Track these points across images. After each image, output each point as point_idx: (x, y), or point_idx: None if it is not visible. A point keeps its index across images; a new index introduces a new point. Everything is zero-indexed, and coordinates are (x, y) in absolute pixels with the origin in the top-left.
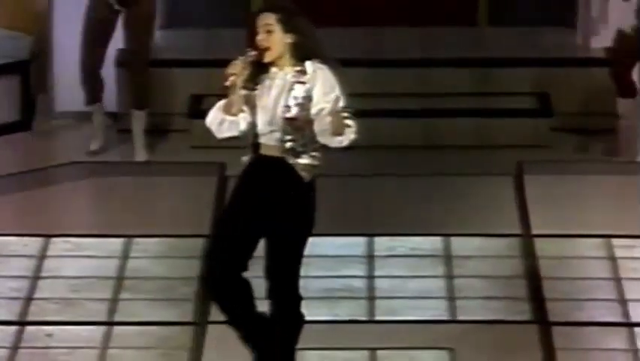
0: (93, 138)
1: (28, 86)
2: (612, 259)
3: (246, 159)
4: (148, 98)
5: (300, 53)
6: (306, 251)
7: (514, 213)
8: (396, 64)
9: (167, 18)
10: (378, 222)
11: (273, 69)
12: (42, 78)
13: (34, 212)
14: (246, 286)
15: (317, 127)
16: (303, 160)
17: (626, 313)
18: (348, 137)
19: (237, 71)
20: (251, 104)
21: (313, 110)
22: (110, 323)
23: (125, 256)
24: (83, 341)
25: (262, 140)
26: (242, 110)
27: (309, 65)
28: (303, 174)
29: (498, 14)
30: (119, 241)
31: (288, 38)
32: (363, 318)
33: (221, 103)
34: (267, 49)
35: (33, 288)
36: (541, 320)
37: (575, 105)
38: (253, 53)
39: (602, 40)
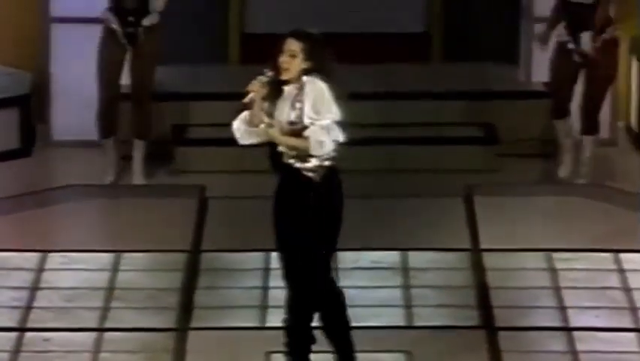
0: (107, 170)
1: (29, 117)
2: (552, 270)
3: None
4: (150, 129)
5: (308, 72)
6: (275, 264)
7: (464, 230)
8: (360, 97)
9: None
10: (344, 238)
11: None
12: (41, 110)
13: (33, 230)
14: None
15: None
16: (310, 163)
17: (565, 319)
18: (313, 153)
19: (255, 88)
20: (271, 116)
21: (305, 122)
22: (101, 330)
23: (114, 269)
24: (76, 346)
25: (280, 148)
26: (262, 122)
27: (305, 80)
28: (311, 174)
29: (450, 51)
30: (109, 255)
31: (306, 65)
32: None
33: (245, 114)
34: (286, 70)
35: (32, 298)
36: (489, 325)
37: (517, 133)
38: (270, 72)
39: (541, 75)
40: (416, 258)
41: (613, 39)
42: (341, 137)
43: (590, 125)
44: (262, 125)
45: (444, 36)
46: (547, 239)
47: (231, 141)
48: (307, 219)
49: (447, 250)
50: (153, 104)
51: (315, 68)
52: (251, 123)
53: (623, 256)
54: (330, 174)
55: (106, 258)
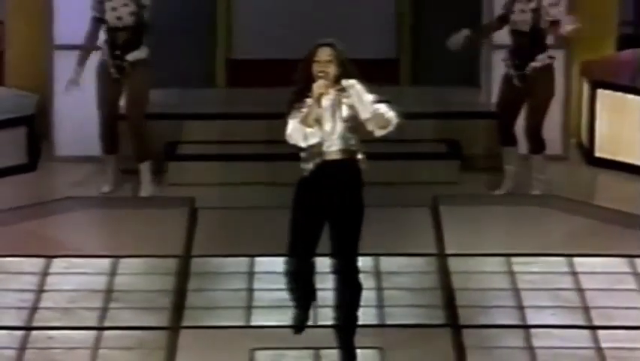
0: (105, 182)
1: (35, 135)
2: (511, 273)
3: (310, 166)
4: (147, 152)
5: (339, 78)
6: (259, 268)
7: (431, 237)
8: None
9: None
10: (321, 244)
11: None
12: (45, 128)
13: (38, 237)
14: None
15: (370, 127)
16: (361, 156)
17: (523, 318)
18: (393, 124)
19: (323, 89)
20: (317, 119)
21: (363, 116)
22: (100, 328)
23: (112, 273)
24: (78, 343)
25: (325, 148)
26: (317, 122)
27: (344, 83)
28: (363, 166)
29: (416, 76)
30: (108, 260)
31: (338, 71)
32: (309, 323)
33: (299, 119)
34: (325, 75)
35: (37, 299)
36: (454, 323)
37: (479, 150)
38: (323, 81)
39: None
40: (387, 262)
41: (547, 65)
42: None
43: (536, 145)
44: (317, 127)
45: (412, 62)
46: (507, 245)
47: (219, 157)
48: (357, 202)
49: (415, 255)
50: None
51: (346, 73)
52: (306, 123)
53: (575, 259)
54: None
55: (105, 263)
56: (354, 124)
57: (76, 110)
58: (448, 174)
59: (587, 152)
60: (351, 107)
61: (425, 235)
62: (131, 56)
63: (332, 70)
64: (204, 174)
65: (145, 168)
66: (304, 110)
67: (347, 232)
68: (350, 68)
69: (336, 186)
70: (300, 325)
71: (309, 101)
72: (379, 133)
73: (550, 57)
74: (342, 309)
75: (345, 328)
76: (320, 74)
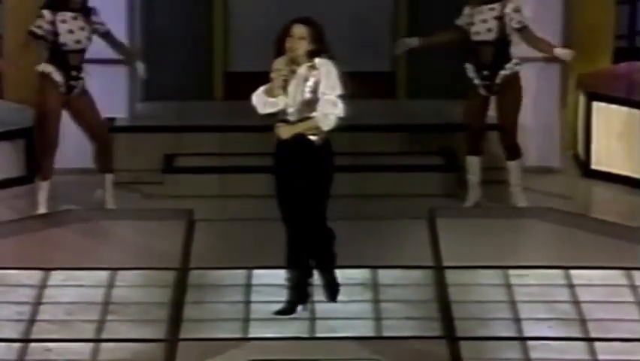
0: (39, 205)
1: (32, 148)
2: (508, 285)
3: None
4: (111, 162)
5: (314, 56)
6: (256, 281)
7: (428, 249)
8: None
9: (145, 92)
10: None
11: (293, 65)
12: None
13: (36, 250)
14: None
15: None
16: (314, 136)
17: (520, 330)
18: (323, 129)
19: (282, 66)
20: (284, 88)
21: (319, 95)
22: (98, 340)
23: (110, 285)
24: (75, 355)
25: (288, 117)
26: (280, 94)
27: (318, 62)
28: (314, 138)
29: (412, 89)
30: (105, 273)
31: (312, 47)
32: (306, 335)
33: (264, 88)
34: (295, 50)
35: (35, 312)
36: (450, 335)
37: None
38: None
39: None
40: (385, 275)
41: (514, 73)
42: (343, 110)
43: (511, 152)
44: (279, 97)
45: (408, 75)
46: (503, 257)
47: (217, 169)
48: (314, 173)
49: (412, 268)
50: (145, 136)
51: (320, 50)
52: (270, 94)
53: (572, 272)
54: (327, 139)
55: (102, 275)
56: (316, 99)
57: (72, 123)
58: (445, 186)
59: (583, 164)
60: (315, 85)
61: (422, 248)
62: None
63: (303, 46)
64: (202, 187)
65: (110, 180)
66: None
67: (310, 194)
68: (326, 46)
69: (293, 152)
70: (291, 305)
71: (274, 73)
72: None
73: (517, 64)
74: (319, 254)
75: (325, 267)
76: (290, 50)
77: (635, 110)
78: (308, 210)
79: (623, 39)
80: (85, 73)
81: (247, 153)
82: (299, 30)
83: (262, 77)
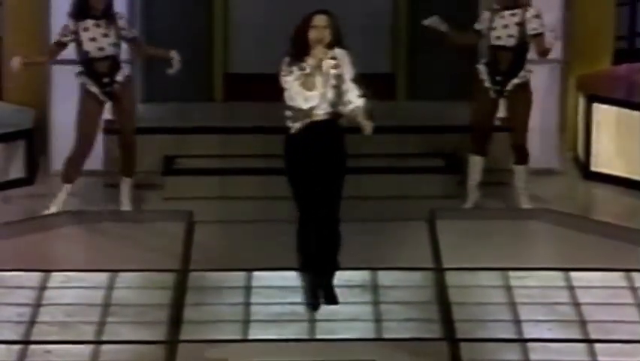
0: (54, 205)
1: (32, 150)
2: (508, 287)
3: (297, 125)
4: (135, 168)
5: (331, 46)
6: (256, 283)
7: (428, 251)
8: None
9: (146, 93)
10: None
11: (311, 58)
12: (43, 143)
13: (36, 252)
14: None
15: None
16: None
17: (520, 332)
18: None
19: (322, 55)
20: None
21: (344, 88)
22: (98, 342)
23: (110, 287)
24: (75, 357)
25: (316, 110)
26: (315, 88)
27: (337, 52)
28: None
29: (413, 90)
30: (105, 274)
31: (331, 35)
32: (306, 337)
33: (297, 83)
34: (321, 40)
35: (35, 313)
36: (450, 337)
37: None
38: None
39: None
40: (385, 276)
41: (525, 81)
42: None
43: (520, 156)
44: (314, 91)
45: (408, 76)
46: (503, 259)
47: (217, 171)
48: (342, 156)
49: (412, 270)
50: (145, 138)
51: (338, 39)
52: (306, 86)
53: (572, 274)
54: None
55: (102, 277)
56: (340, 91)
57: (73, 125)
58: (445, 188)
59: (583, 166)
60: (339, 75)
61: (422, 249)
62: (120, 77)
63: (327, 36)
64: (202, 188)
65: (128, 184)
66: (306, 72)
67: (333, 182)
68: (341, 35)
69: (323, 141)
70: (314, 300)
71: (308, 65)
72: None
73: (528, 71)
74: (323, 256)
75: (327, 272)
76: (317, 40)
77: (635, 112)
78: (331, 197)
79: (623, 40)
80: (121, 76)
81: (247, 155)
82: (322, 20)
83: (263, 79)
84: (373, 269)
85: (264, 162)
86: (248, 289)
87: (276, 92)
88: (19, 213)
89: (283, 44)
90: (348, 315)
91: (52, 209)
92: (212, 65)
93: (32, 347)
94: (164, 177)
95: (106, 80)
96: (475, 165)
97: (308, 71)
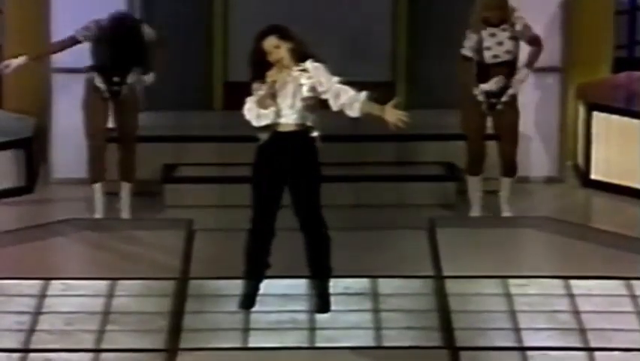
0: (95, 210)
1: (32, 158)
2: (508, 295)
3: (265, 135)
4: (134, 172)
5: (298, 56)
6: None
7: (428, 259)
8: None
9: (144, 102)
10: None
11: (282, 72)
12: (42, 151)
13: (35, 260)
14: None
15: (335, 106)
16: (314, 133)
17: (520, 340)
18: (356, 108)
19: (275, 76)
20: (274, 98)
21: (326, 95)
22: (98, 350)
23: (110, 295)
24: None
25: (282, 120)
26: (271, 105)
27: (308, 64)
28: (317, 143)
29: (412, 99)
30: (105, 282)
31: (289, 46)
32: (306, 345)
33: (254, 101)
34: (280, 60)
35: (35, 322)
36: (451, 345)
37: None
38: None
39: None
40: (384, 284)
41: (516, 93)
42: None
43: (508, 169)
44: (270, 109)
45: (407, 85)
46: (503, 267)
47: (216, 179)
48: (314, 168)
49: (412, 277)
50: (145, 146)
51: (302, 51)
52: (261, 106)
53: (572, 282)
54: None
55: (102, 285)
56: (313, 103)
57: (74, 133)
58: (445, 196)
59: (582, 174)
60: (312, 87)
61: (422, 257)
62: (131, 78)
63: (282, 53)
64: (202, 197)
65: (127, 189)
66: (261, 92)
67: (305, 192)
68: (304, 46)
69: (290, 151)
70: (249, 297)
71: (265, 84)
72: (347, 110)
73: (519, 80)
74: (314, 261)
75: (319, 278)
76: (275, 61)
77: (634, 120)
78: (305, 206)
79: (622, 49)
80: (131, 78)
81: (247, 163)
82: (269, 42)
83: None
84: (373, 277)
85: None
86: None
87: None
88: (19, 221)
89: None
90: (348, 323)
91: (97, 215)
92: (211, 74)
93: (32, 355)
94: (164, 186)
95: (116, 79)
96: (474, 183)
97: (262, 92)
